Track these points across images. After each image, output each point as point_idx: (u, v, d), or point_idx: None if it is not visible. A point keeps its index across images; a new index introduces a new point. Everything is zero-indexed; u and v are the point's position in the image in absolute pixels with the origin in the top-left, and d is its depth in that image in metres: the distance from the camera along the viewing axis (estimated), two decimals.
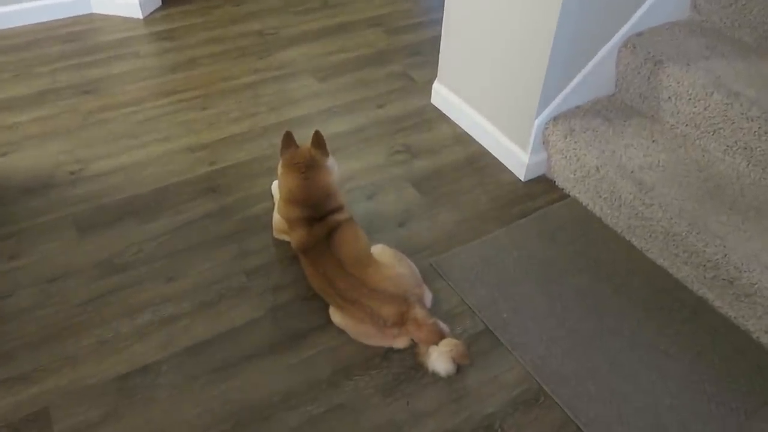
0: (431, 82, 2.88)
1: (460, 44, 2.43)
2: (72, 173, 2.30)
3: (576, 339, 1.76)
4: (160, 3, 3.47)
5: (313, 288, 1.83)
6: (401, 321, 1.67)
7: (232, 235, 2.07)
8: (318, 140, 1.90)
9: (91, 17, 3.33)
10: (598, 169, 2.04)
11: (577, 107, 2.24)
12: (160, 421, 1.56)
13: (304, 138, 1.98)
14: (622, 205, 2.01)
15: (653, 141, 2.10)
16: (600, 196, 2.09)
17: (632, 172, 1.98)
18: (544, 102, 2.15)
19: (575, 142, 2.11)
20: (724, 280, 1.76)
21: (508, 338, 1.77)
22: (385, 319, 1.67)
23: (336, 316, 1.77)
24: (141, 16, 3.33)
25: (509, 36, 2.13)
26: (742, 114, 1.87)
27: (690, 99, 2.01)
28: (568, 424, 1.58)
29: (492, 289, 1.90)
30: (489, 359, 1.73)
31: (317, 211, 1.83)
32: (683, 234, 1.82)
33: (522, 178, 2.32)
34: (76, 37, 3.15)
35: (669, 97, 2.08)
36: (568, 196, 2.24)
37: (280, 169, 1.92)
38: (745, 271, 1.69)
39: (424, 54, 3.11)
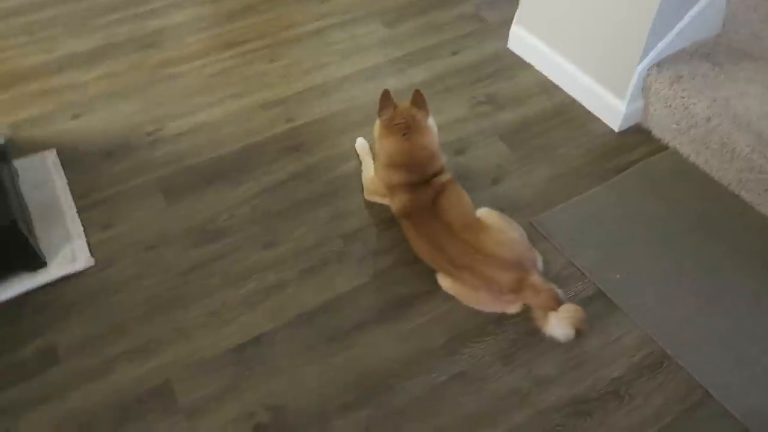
0: (506, 23, 2.71)
1: None
2: (149, 134, 2.24)
3: (695, 300, 1.71)
4: None
5: (417, 254, 1.78)
6: (518, 287, 1.63)
7: (322, 197, 2.01)
8: (418, 99, 1.81)
9: None
10: (709, 119, 1.92)
11: (682, 50, 2.10)
12: (283, 393, 1.56)
13: (379, 90, 1.87)
14: (734, 158, 1.90)
15: None
16: (707, 148, 1.98)
17: (749, 123, 1.86)
18: (649, 46, 2.00)
19: (683, 90, 1.98)
20: None
21: (623, 301, 1.72)
22: (501, 285, 1.63)
23: (446, 282, 1.72)
24: None
25: None
26: None
27: None
28: (696, 389, 1.55)
29: (600, 250, 1.83)
30: (605, 323, 1.69)
31: (421, 175, 1.76)
32: None
33: (616, 129, 2.21)
34: None
35: None
36: (667, 147, 2.13)
37: (377, 131, 1.84)
38: None
39: None
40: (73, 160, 2.14)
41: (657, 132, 2.16)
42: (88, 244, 1.87)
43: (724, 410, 1.51)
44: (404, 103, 1.83)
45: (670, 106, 2.03)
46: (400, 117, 1.78)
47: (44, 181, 2.04)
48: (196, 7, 2.85)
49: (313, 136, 2.22)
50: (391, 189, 1.80)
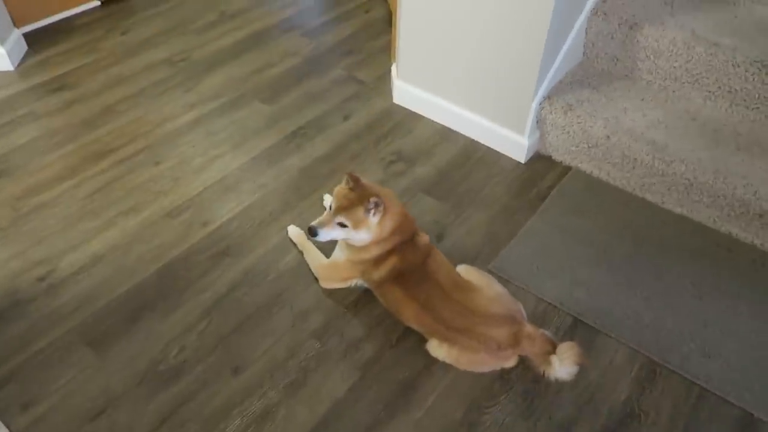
0: (381, 79, 2.78)
1: (425, 40, 2.35)
2: (41, 279, 1.88)
3: (654, 305, 1.84)
4: (26, 47, 2.91)
5: (405, 320, 1.71)
6: (515, 341, 1.63)
7: (275, 300, 1.85)
8: (353, 179, 1.71)
9: None
10: (608, 137, 2.12)
11: (560, 81, 2.29)
12: None
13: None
14: (636, 166, 2.11)
15: (642, 100, 2.22)
16: (608, 162, 2.18)
17: (642, 133, 2.09)
18: (539, 83, 2.16)
19: (578, 116, 2.17)
20: (754, 214, 1.94)
21: (598, 322, 1.80)
22: (499, 342, 1.62)
23: (440, 351, 1.67)
24: (12, 67, 2.77)
25: (493, 24, 2.10)
26: (727, 61, 2.04)
27: (671, 55, 2.15)
28: (693, 387, 1.67)
29: (558, 278, 1.91)
30: (594, 348, 1.75)
31: (410, 232, 1.72)
32: (710, 182, 1.97)
33: (522, 161, 2.34)
34: None
35: (647, 56, 2.21)
36: (570, 168, 2.31)
37: (353, 208, 1.66)
38: None
39: (358, 51, 2.98)
40: None
41: (557, 156, 2.33)
42: None
43: (721, 399, 1.64)
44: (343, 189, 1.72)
45: (568, 132, 2.21)
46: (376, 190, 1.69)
47: None
48: (41, 120, 2.50)
49: (237, 235, 2.04)
50: (376, 260, 1.70)
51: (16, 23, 2.86)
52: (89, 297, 1.84)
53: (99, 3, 3.25)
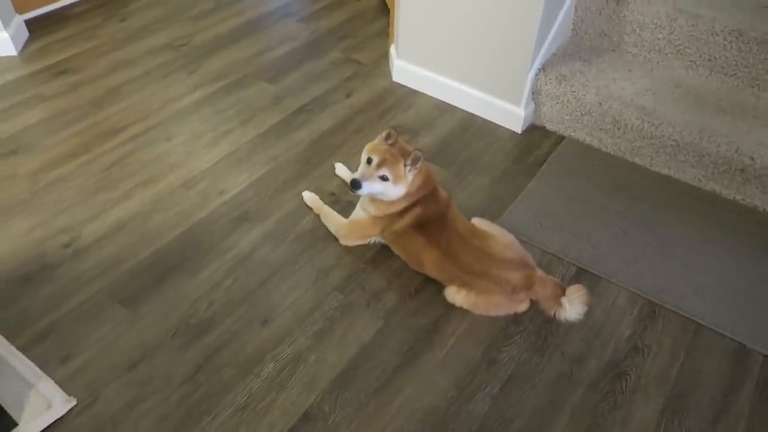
0: (378, 61, 2.89)
1: (424, 20, 2.47)
2: (66, 246, 1.94)
3: (648, 254, 1.99)
4: (27, 34, 2.94)
5: (422, 266, 1.83)
6: (528, 284, 1.75)
7: (297, 258, 1.94)
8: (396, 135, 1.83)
9: None
10: (600, 104, 2.27)
11: (553, 54, 2.44)
12: None
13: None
14: (627, 131, 2.26)
15: (629, 71, 2.38)
16: (600, 129, 2.33)
17: (632, 100, 2.24)
18: (534, 55, 2.30)
19: (571, 86, 2.31)
20: (735, 170, 2.10)
21: (600, 270, 1.93)
22: (515, 285, 1.74)
23: (457, 296, 1.78)
24: (16, 52, 2.81)
25: (491, 0, 2.23)
26: (707, 31, 2.21)
27: (655, 27, 2.31)
28: (689, 323, 1.81)
29: (562, 233, 2.04)
30: (597, 292, 1.88)
31: (433, 186, 1.82)
32: (695, 141, 2.13)
33: (519, 131, 2.48)
34: None
35: (633, 30, 2.37)
36: (563, 137, 2.45)
37: (396, 162, 1.75)
38: (757, 158, 2.03)
39: (353, 36, 3.09)
40: None
41: (551, 126, 2.47)
42: (57, 384, 1.56)
43: (716, 332, 1.78)
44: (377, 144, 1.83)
45: (562, 101, 2.35)
46: (401, 145, 1.79)
47: None
48: (48, 102, 2.54)
49: (254, 202, 2.13)
50: (401, 213, 1.81)
51: (17, 10, 2.90)
52: (115, 260, 1.90)
53: None
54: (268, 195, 2.15)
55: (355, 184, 1.74)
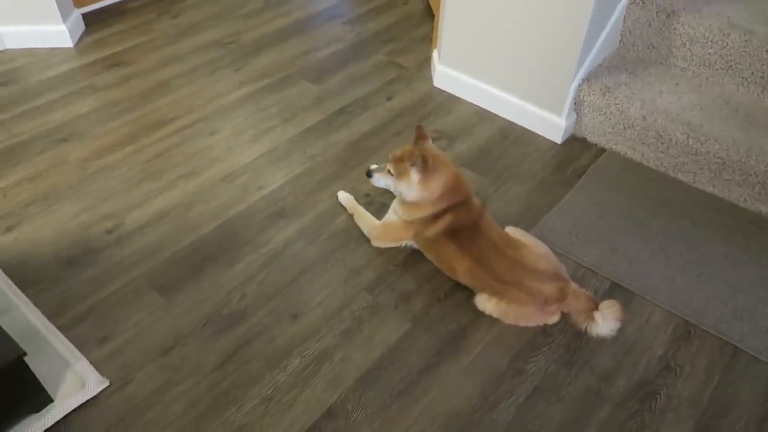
0: (421, 66, 2.90)
1: (468, 26, 2.47)
2: (109, 231, 2.01)
3: (687, 272, 1.94)
4: (84, 27, 3.06)
5: (455, 274, 1.82)
6: (561, 296, 1.73)
7: (329, 257, 1.96)
8: (421, 132, 1.85)
9: (7, 54, 2.86)
10: (644, 118, 2.22)
11: (598, 66, 2.40)
12: None
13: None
14: (671, 146, 2.21)
15: (676, 85, 2.33)
16: (643, 143, 2.29)
17: (678, 114, 2.19)
18: (579, 65, 2.28)
19: (615, 98, 2.27)
20: None
21: (635, 286, 1.90)
22: (547, 297, 1.72)
23: (488, 304, 1.77)
24: (72, 44, 2.93)
25: (536, 8, 2.22)
26: (760, 47, 2.14)
27: (706, 42, 2.25)
28: (726, 345, 1.76)
29: (597, 246, 2.01)
30: (631, 309, 1.85)
31: (465, 195, 1.83)
32: (742, 160, 2.06)
33: (559, 141, 2.45)
34: (7, 79, 2.69)
35: (683, 43, 2.32)
36: (604, 149, 2.42)
37: (402, 160, 1.78)
38: None
39: (398, 39, 3.11)
40: (26, 277, 1.85)
41: (592, 138, 2.44)
42: (92, 364, 1.62)
43: (753, 357, 1.73)
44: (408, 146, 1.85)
45: (605, 113, 2.32)
46: (428, 152, 1.80)
47: (4, 308, 1.73)
48: (100, 93, 2.64)
49: (291, 199, 2.16)
50: (431, 219, 1.81)
51: (76, 4, 3.02)
52: (155, 248, 1.96)
53: None
54: (304, 193, 2.19)
55: (368, 173, 1.89)
